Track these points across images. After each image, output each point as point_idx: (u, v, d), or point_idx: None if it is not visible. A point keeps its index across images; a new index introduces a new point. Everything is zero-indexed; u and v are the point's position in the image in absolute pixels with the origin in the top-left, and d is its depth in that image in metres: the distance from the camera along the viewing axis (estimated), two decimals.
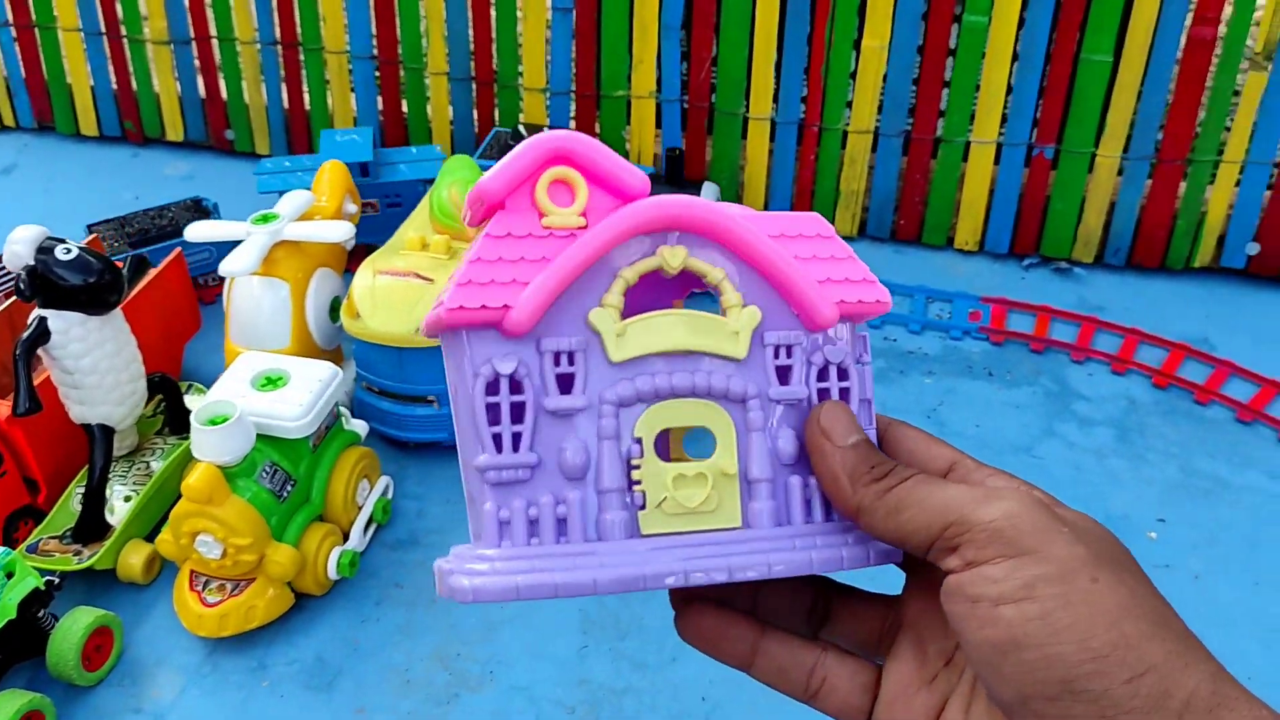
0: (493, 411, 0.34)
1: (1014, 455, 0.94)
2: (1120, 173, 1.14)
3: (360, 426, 0.86)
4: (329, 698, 0.75)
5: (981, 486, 0.33)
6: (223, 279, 0.94)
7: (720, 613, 0.38)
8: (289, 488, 0.78)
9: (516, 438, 0.34)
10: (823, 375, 0.37)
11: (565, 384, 0.35)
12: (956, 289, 1.14)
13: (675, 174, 1.16)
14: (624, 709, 0.74)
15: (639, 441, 0.35)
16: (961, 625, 0.31)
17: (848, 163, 1.19)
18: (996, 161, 1.16)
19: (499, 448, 0.33)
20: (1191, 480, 0.92)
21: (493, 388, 0.34)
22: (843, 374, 0.37)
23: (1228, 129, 1.10)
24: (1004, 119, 1.14)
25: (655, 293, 0.37)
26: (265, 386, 0.79)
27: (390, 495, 0.87)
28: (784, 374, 0.36)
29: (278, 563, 0.76)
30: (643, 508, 0.34)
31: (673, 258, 0.35)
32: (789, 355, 0.36)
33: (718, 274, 0.36)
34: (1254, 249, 1.12)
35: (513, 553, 0.33)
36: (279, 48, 1.29)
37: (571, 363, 0.34)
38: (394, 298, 0.86)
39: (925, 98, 1.15)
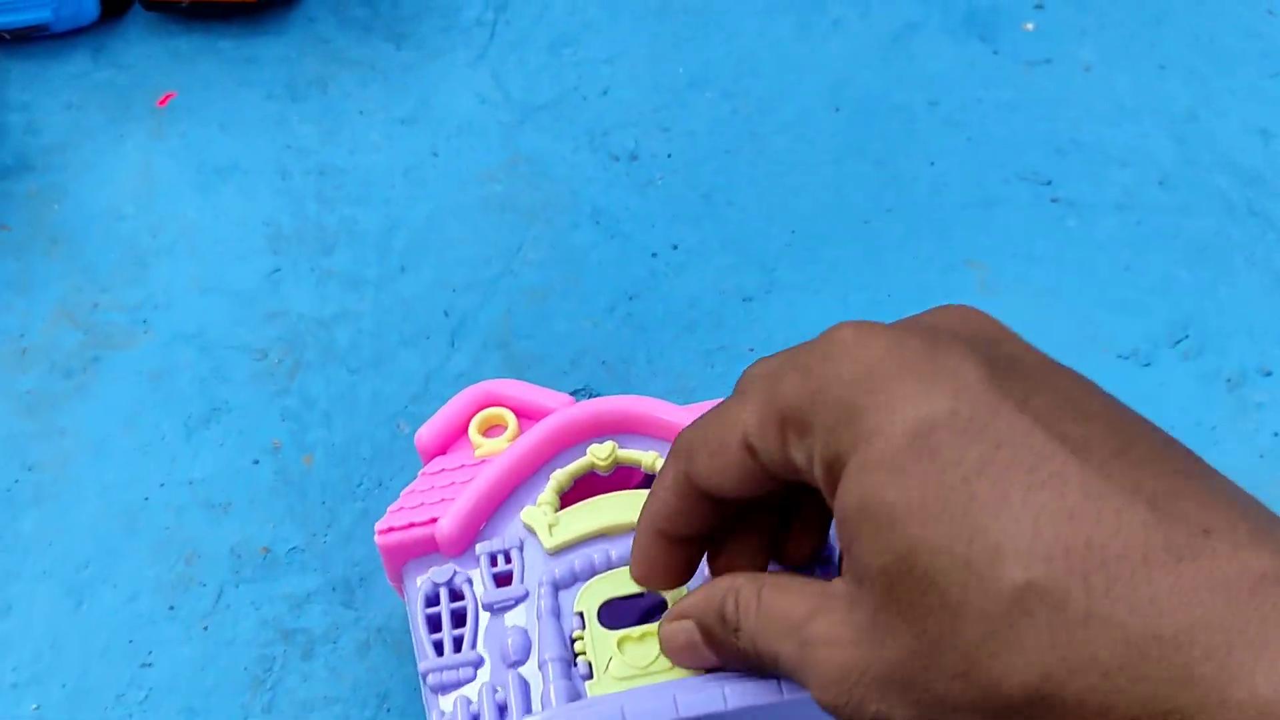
0: (433, 621, 0.37)
1: None
2: None
3: None
4: None
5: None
6: None
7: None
8: None
9: (458, 640, 0.36)
10: None
11: (505, 581, 0.37)
12: None
13: None
14: (336, 342, 0.53)
15: (580, 615, 0.36)
16: None
17: None
18: None
19: (440, 652, 0.36)
20: None
21: (432, 600, 0.37)
22: None
23: None
24: None
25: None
26: None
27: None
28: None
29: None
30: (588, 678, 0.34)
31: (601, 455, 0.38)
32: None
33: (649, 458, 0.38)
34: None
35: None
36: None
37: (509, 561, 0.37)
38: None
39: None
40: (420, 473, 0.40)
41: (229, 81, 0.64)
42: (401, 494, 0.39)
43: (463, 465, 0.39)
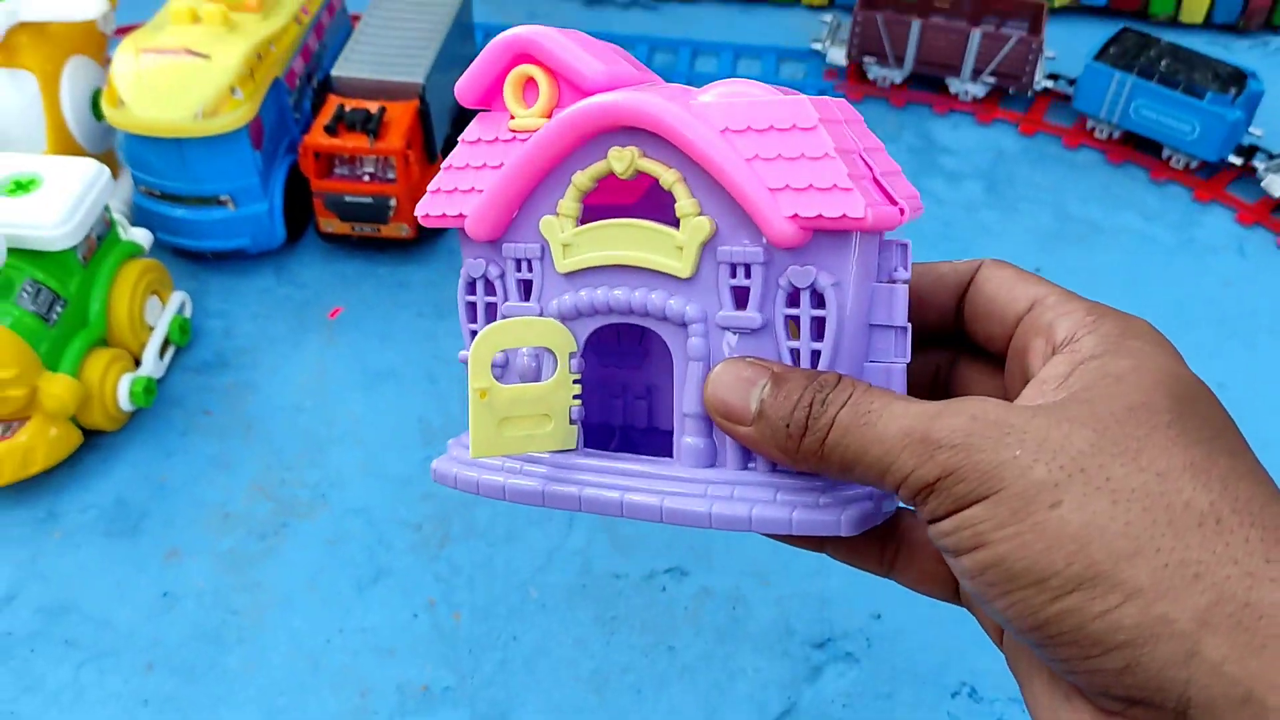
0: (471, 309, 0.36)
1: None
2: None
3: (142, 236, 0.73)
4: (134, 543, 0.65)
5: (921, 419, 0.27)
6: None
7: None
8: (58, 309, 0.66)
9: None
10: (794, 300, 0.31)
11: (528, 289, 0.35)
12: (808, 47, 1.05)
13: None
14: (476, 520, 0.67)
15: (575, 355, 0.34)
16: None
17: None
18: None
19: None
20: (1066, 226, 0.87)
21: (471, 287, 0.36)
22: (818, 300, 0.31)
23: None
24: None
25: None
26: (14, 192, 0.66)
27: (188, 313, 0.76)
28: (742, 296, 0.32)
29: (54, 395, 0.64)
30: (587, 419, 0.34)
31: (620, 160, 0.32)
32: (747, 275, 0.32)
33: (670, 176, 0.32)
34: None
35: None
36: None
37: (531, 269, 0.35)
38: (163, 79, 0.72)
39: None
40: (461, 138, 0.36)
41: (386, 301, 0.79)
42: (442, 168, 0.36)
43: (497, 139, 0.35)
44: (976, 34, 0.94)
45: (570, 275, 0.34)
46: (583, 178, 0.33)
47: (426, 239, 0.82)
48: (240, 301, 0.79)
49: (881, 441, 0.27)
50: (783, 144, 0.30)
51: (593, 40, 0.34)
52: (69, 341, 0.67)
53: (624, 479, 0.34)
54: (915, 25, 0.95)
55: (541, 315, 0.34)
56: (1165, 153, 0.91)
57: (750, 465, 0.33)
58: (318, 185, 0.77)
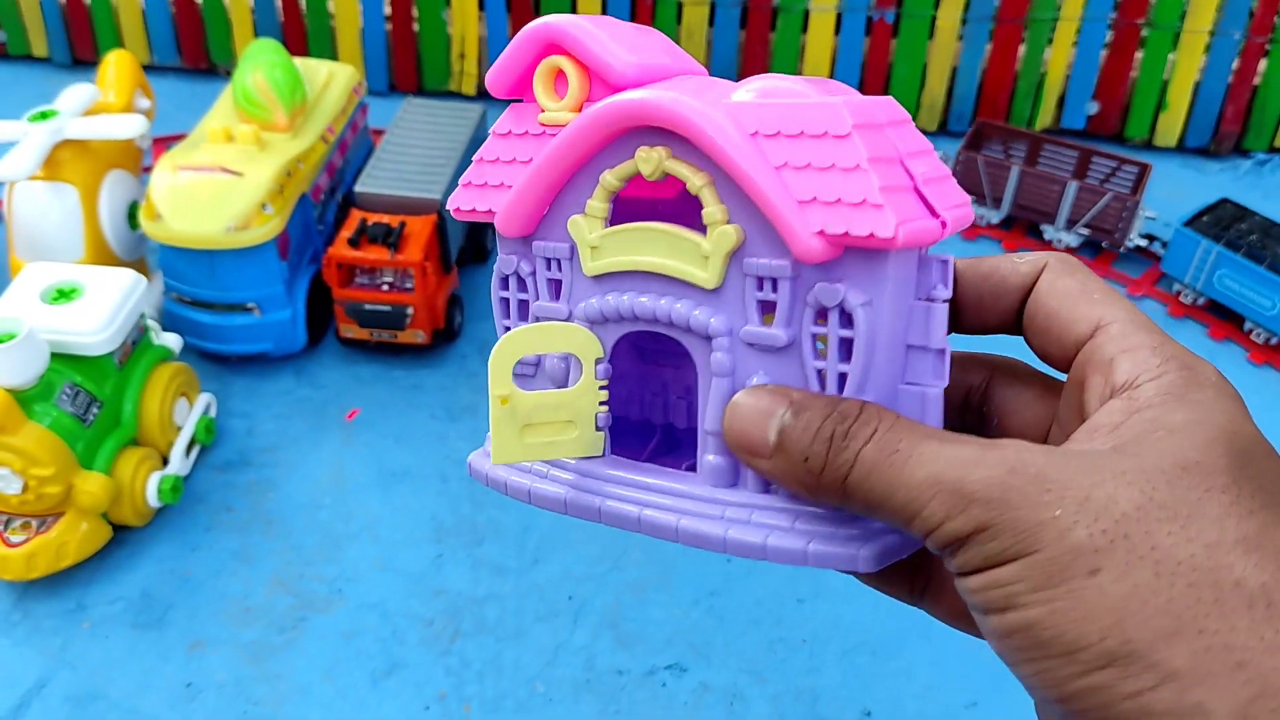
0: (504, 305, 0.35)
1: None
2: (960, 37, 1.11)
3: (172, 340, 0.77)
4: (160, 634, 0.68)
5: (954, 466, 0.26)
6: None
7: None
8: (94, 410, 0.70)
9: None
10: (823, 316, 0.30)
11: (558, 289, 0.34)
12: None
13: None
14: (486, 616, 0.70)
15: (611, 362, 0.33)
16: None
17: (684, 37, 1.13)
18: (837, 31, 1.12)
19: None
20: None
21: (505, 283, 0.35)
22: (847, 319, 0.29)
23: None
24: None
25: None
26: (57, 300, 0.70)
27: (213, 414, 0.80)
28: (768, 311, 0.31)
29: (88, 493, 0.68)
30: (612, 426, 0.34)
31: (647, 162, 0.31)
32: (774, 289, 0.30)
33: (698, 180, 0.30)
34: (1093, 108, 1.12)
35: None
36: None
37: (561, 269, 0.34)
38: (199, 195, 0.77)
39: None
40: (492, 130, 0.35)
41: (402, 404, 0.83)
42: (473, 161, 0.35)
43: (527, 133, 0.34)
44: (1073, 186, 0.96)
45: (598, 278, 0.33)
46: (611, 177, 0.32)
47: (440, 345, 0.86)
48: (262, 402, 0.83)
49: (910, 486, 0.26)
50: (814, 152, 0.28)
51: (627, 27, 0.33)
52: (103, 441, 0.70)
53: (645, 494, 0.33)
54: (1014, 171, 0.98)
55: (570, 317, 0.34)
56: (1246, 325, 0.92)
57: (772, 488, 0.31)
58: (339, 294, 0.81)
